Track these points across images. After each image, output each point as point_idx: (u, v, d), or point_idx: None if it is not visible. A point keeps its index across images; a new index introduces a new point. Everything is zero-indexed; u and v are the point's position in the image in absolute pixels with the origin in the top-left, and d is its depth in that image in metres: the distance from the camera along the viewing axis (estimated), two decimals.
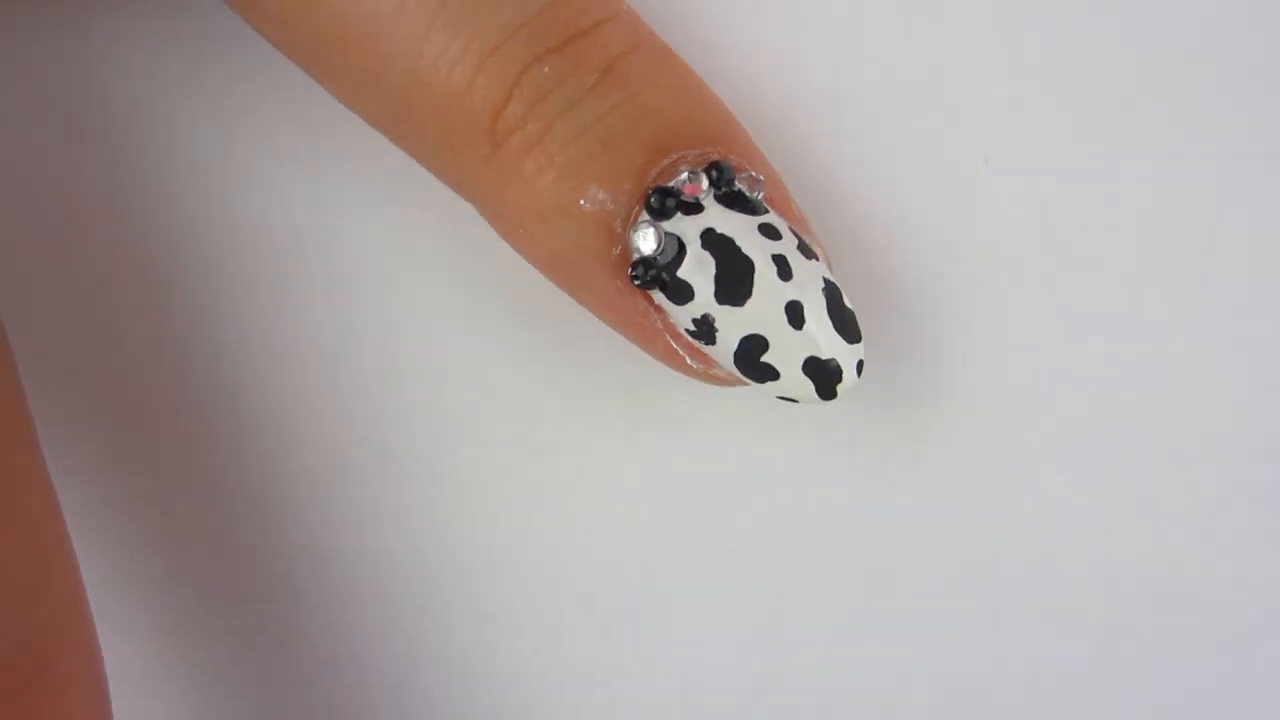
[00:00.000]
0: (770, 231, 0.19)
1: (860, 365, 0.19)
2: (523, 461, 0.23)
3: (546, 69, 0.19)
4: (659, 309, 0.20)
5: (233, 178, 0.23)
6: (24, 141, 0.23)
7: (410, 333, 0.23)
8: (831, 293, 0.19)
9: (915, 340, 0.22)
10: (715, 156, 0.19)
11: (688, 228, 0.19)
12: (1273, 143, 0.22)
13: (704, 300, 0.19)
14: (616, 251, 0.19)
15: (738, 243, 0.19)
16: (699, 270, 0.19)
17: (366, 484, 0.23)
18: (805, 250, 0.20)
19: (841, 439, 0.23)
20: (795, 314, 0.19)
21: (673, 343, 0.20)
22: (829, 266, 0.20)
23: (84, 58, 0.23)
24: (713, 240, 0.19)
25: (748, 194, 0.19)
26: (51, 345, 0.23)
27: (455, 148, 0.20)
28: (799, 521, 0.23)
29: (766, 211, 0.20)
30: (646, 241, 0.19)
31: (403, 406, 0.23)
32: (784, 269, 0.19)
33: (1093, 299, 0.22)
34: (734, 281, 0.19)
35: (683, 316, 0.19)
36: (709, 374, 0.20)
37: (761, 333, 0.19)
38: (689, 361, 0.20)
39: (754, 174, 0.20)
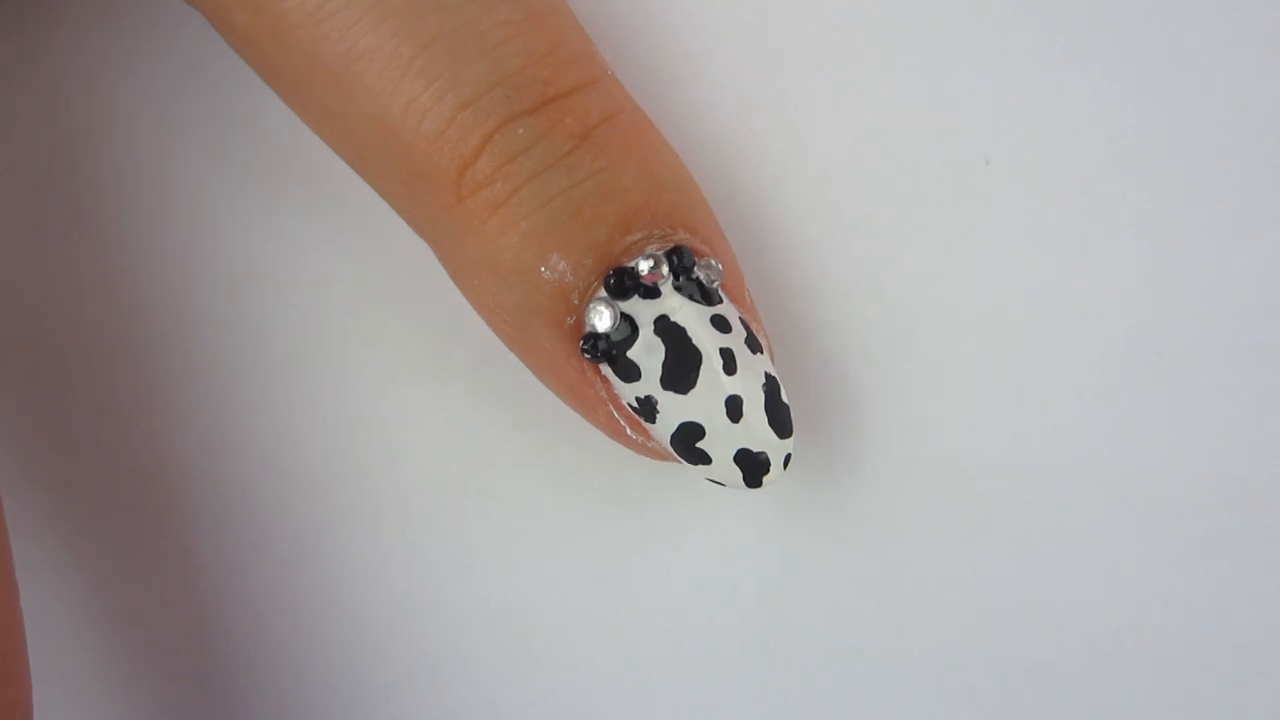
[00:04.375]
0: (721, 324, 0.20)
1: (788, 459, 0.20)
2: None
3: (521, 130, 0.19)
4: (604, 380, 0.20)
5: (232, 179, 0.23)
6: (21, 141, 0.23)
7: (411, 337, 0.23)
8: (771, 388, 0.20)
9: (915, 341, 0.23)
10: (678, 240, 0.20)
11: (643, 311, 0.19)
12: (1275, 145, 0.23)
13: (649, 383, 0.19)
14: (570, 321, 0.20)
15: (689, 333, 0.19)
16: (648, 355, 0.19)
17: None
18: (752, 344, 0.20)
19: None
20: (735, 408, 0.20)
21: (614, 413, 0.20)
22: (771, 359, 0.20)
23: (83, 58, 0.23)
24: (665, 328, 0.19)
25: (705, 282, 0.20)
26: (37, 346, 0.23)
27: (418, 191, 0.20)
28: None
29: (721, 301, 0.20)
30: (602, 320, 0.19)
31: (403, 406, 0.23)
32: (730, 363, 0.20)
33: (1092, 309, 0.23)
34: (681, 371, 0.19)
35: (627, 392, 0.20)
36: (645, 446, 0.20)
37: (700, 421, 0.20)
38: (628, 432, 0.20)
39: (713, 261, 0.20)
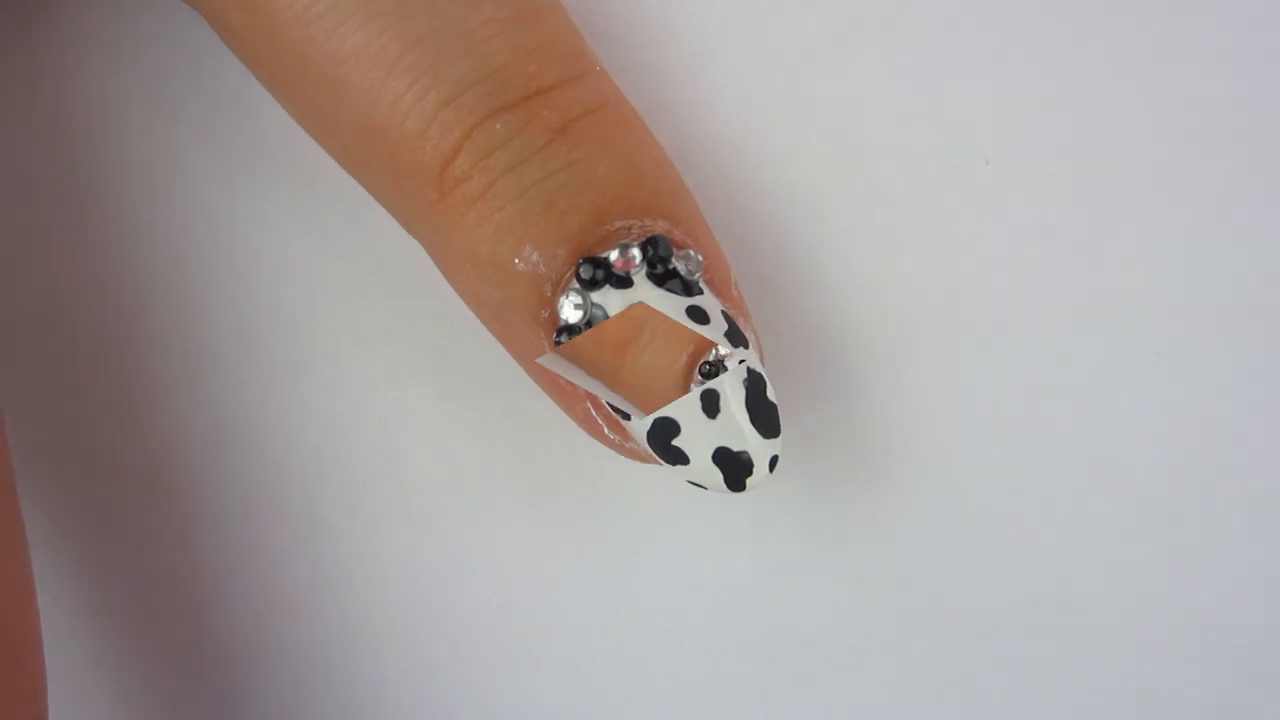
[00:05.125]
0: (698, 315, 0.19)
1: (774, 461, 0.19)
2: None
3: (499, 125, 0.19)
4: None
5: (233, 179, 0.23)
6: (21, 141, 0.23)
7: (411, 337, 0.23)
8: (754, 383, 0.19)
9: (914, 341, 0.23)
10: (655, 231, 0.19)
11: (614, 302, 0.19)
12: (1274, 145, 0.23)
13: None
14: (545, 314, 0.19)
15: None
16: None
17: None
18: (734, 337, 0.19)
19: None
20: (710, 402, 0.19)
21: (593, 411, 0.20)
22: (759, 356, 0.20)
23: (82, 58, 0.23)
24: None
25: (683, 273, 0.19)
26: (37, 346, 0.23)
27: (405, 189, 0.20)
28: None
29: (701, 293, 0.19)
30: (571, 311, 0.19)
31: (402, 407, 0.23)
32: None
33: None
34: None
35: None
36: (625, 447, 0.20)
37: (674, 416, 0.19)
38: (606, 431, 0.20)
39: (693, 253, 0.19)
